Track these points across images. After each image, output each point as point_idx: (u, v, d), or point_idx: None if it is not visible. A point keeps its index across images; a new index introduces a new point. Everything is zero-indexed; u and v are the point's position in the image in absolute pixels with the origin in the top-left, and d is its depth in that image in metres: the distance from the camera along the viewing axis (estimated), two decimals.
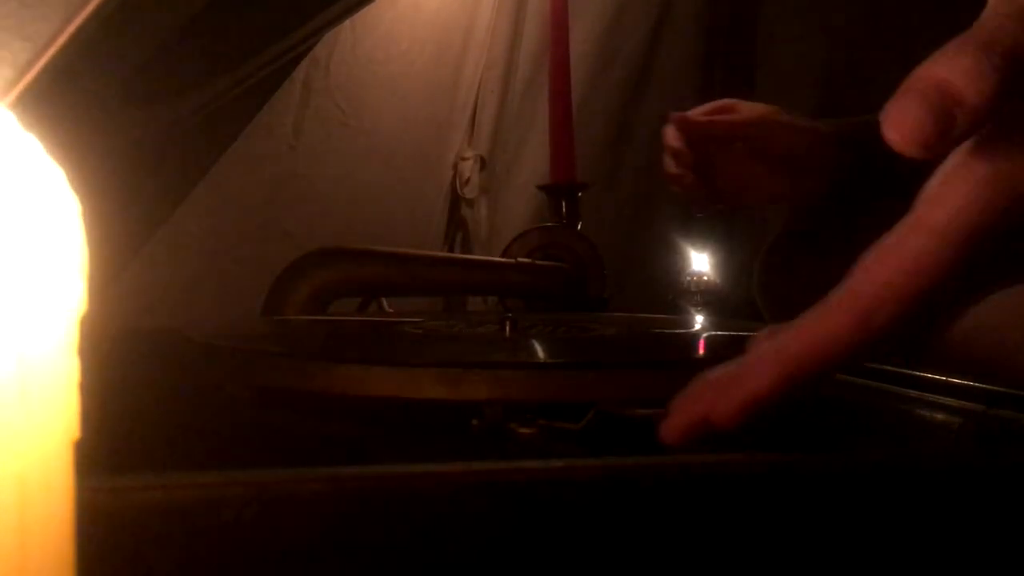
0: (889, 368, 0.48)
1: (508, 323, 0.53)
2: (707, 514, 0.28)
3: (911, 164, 0.28)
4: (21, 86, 0.34)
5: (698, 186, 0.82)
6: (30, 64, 0.34)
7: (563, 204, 0.92)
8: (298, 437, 0.37)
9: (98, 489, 0.23)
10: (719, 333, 0.62)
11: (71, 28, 0.35)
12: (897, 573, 0.30)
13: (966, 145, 0.27)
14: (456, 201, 1.23)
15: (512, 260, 0.87)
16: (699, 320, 0.75)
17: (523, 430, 0.34)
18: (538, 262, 0.86)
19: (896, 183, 0.34)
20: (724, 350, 0.47)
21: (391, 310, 0.86)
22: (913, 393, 0.45)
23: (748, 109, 0.83)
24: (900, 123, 0.25)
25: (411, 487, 0.26)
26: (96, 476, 0.22)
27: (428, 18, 1.16)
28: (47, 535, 0.17)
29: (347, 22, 0.97)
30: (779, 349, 0.29)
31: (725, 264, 0.86)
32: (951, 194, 0.27)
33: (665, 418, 0.31)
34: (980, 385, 0.42)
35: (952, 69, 0.25)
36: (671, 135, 0.82)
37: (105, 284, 0.78)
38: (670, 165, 0.84)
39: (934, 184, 0.28)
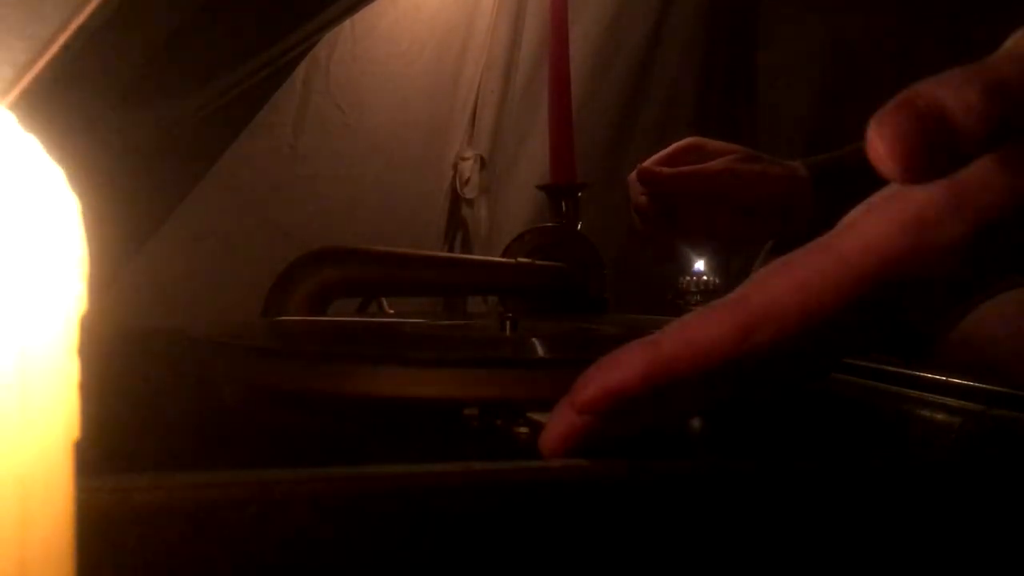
0: (889, 368, 0.48)
1: (508, 323, 0.53)
2: (707, 515, 0.28)
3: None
4: (21, 86, 0.34)
5: (666, 245, 0.82)
6: (30, 64, 0.34)
7: (563, 204, 0.92)
8: (298, 437, 0.37)
9: (98, 489, 0.23)
10: None
11: (71, 28, 0.35)
12: (897, 574, 0.30)
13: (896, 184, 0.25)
14: (456, 201, 1.23)
15: (512, 260, 0.87)
16: None
17: (521, 430, 0.34)
18: (538, 262, 0.86)
19: None
20: None
21: (391, 310, 0.86)
22: (913, 393, 0.45)
23: (716, 148, 0.81)
24: (888, 135, 0.23)
25: (411, 487, 0.26)
26: (96, 476, 0.23)
27: (428, 18, 1.16)
28: (47, 535, 0.17)
29: (347, 22, 0.97)
30: (653, 344, 0.27)
31: (725, 264, 0.86)
32: (866, 225, 0.26)
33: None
34: (980, 385, 0.42)
35: (956, 100, 0.23)
36: (636, 189, 0.81)
37: (105, 283, 0.78)
38: (636, 222, 0.83)
39: (857, 211, 0.27)
